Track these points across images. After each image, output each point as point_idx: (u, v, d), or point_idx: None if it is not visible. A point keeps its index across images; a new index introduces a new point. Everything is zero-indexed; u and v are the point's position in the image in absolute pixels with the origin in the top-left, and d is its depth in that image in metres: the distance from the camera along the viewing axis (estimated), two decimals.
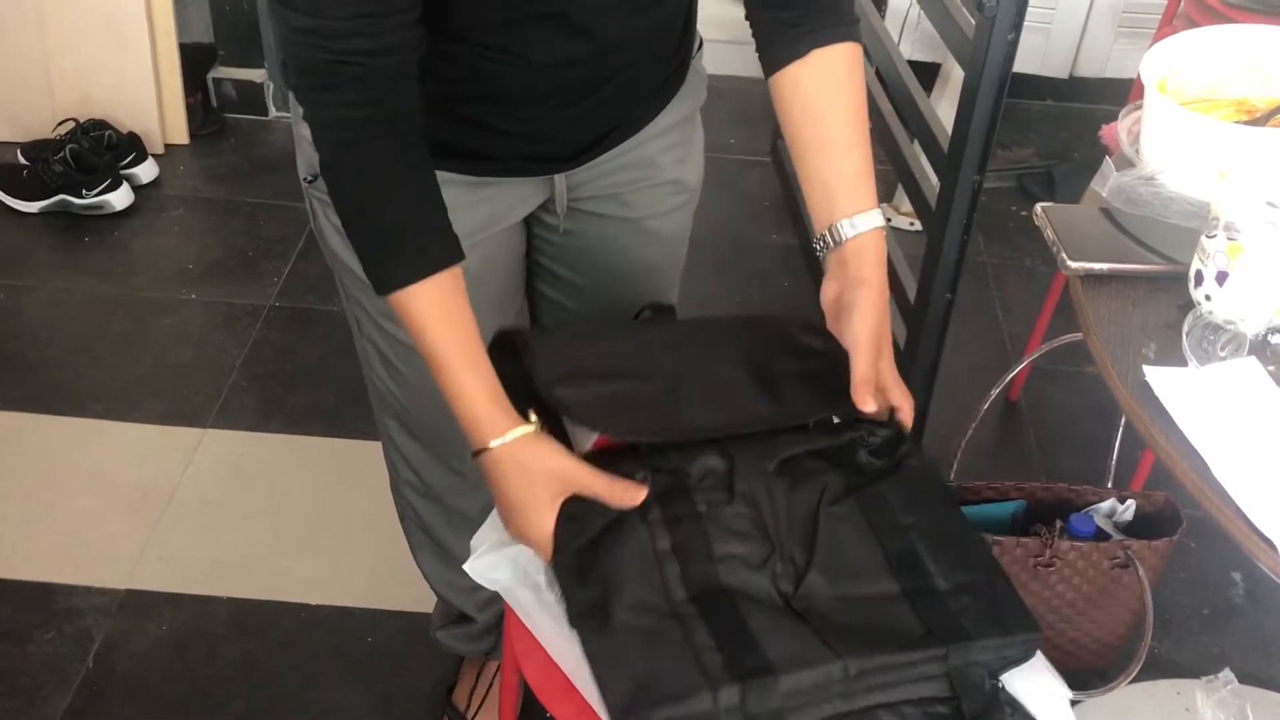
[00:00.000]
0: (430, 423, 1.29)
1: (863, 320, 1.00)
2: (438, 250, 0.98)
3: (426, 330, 0.97)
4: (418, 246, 0.97)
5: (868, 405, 0.98)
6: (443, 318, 0.98)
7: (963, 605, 0.91)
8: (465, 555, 1.14)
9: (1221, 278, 1.06)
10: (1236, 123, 1.25)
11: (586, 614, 0.95)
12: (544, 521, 0.97)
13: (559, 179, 1.16)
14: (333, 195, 0.99)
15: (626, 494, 0.96)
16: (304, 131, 1.12)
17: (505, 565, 1.09)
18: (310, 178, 1.15)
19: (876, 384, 1.00)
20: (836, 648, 0.88)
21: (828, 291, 1.04)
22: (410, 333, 0.99)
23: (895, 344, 1.81)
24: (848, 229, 1.02)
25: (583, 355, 1.04)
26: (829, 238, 1.03)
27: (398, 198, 0.97)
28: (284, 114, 2.77)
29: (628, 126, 1.15)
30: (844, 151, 1.04)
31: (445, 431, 1.30)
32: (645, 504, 0.97)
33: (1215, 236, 1.06)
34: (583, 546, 0.97)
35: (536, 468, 0.97)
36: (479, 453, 0.99)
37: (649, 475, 0.99)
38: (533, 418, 0.98)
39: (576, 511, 0.97)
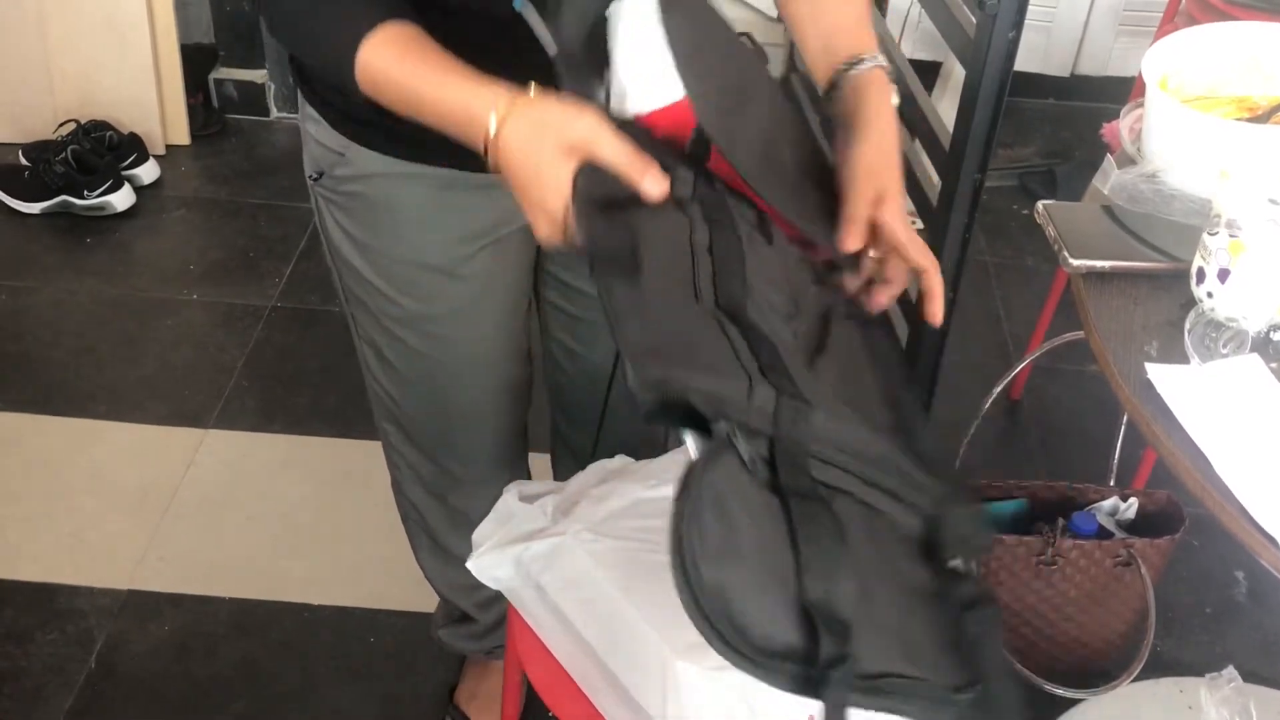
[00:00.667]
0: (429, 425, 1.29)
1: (860, 155, 0.93)
2: (380, 7, 0.90)
3: (393, 74, 0.89)
4: (357, 9, 0.90)
5: (850, 244, 0.92)
6: (408, 53, 0.89)
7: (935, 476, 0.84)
8: (467, 555, 1.14)
9: (1223, 275, 1.06)
10: (1238, 120, 1.25)
11: (612, 259, 0.80)
12: (560, 176, 0.83)
13: None
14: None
15: (649, 171, 0.84)
16: (310, 129, 1.13)
17: (507, 564, 1.10)
18: (316, 175, 1.15)
19: (889, 241, 0.92)
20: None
21: (840, 143, 0.97)
22: (390, 98, 0.90)
23: (896, 341, 1.82)
24: (851, 65, 0.98)
25: None
26: (833, 87, 0.99)
27: None
28: (285, 115, 2.78)
29: None
30: (841, 2, 1.02)
31: (444, 433, 1.30)
32: (681, 197, 0.86)
33: (1217, 234, 1.06)
34: (609, 198, 0.83)
35: (547, 119, 0.84)
36: (485, 148, 0.86)
37: (688, 175, 0.87)
38: (532, 89, 0.86)
39: (598, 173, 0.83)
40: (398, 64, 0.89)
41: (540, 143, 0.84)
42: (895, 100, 0.98)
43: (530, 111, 0.85)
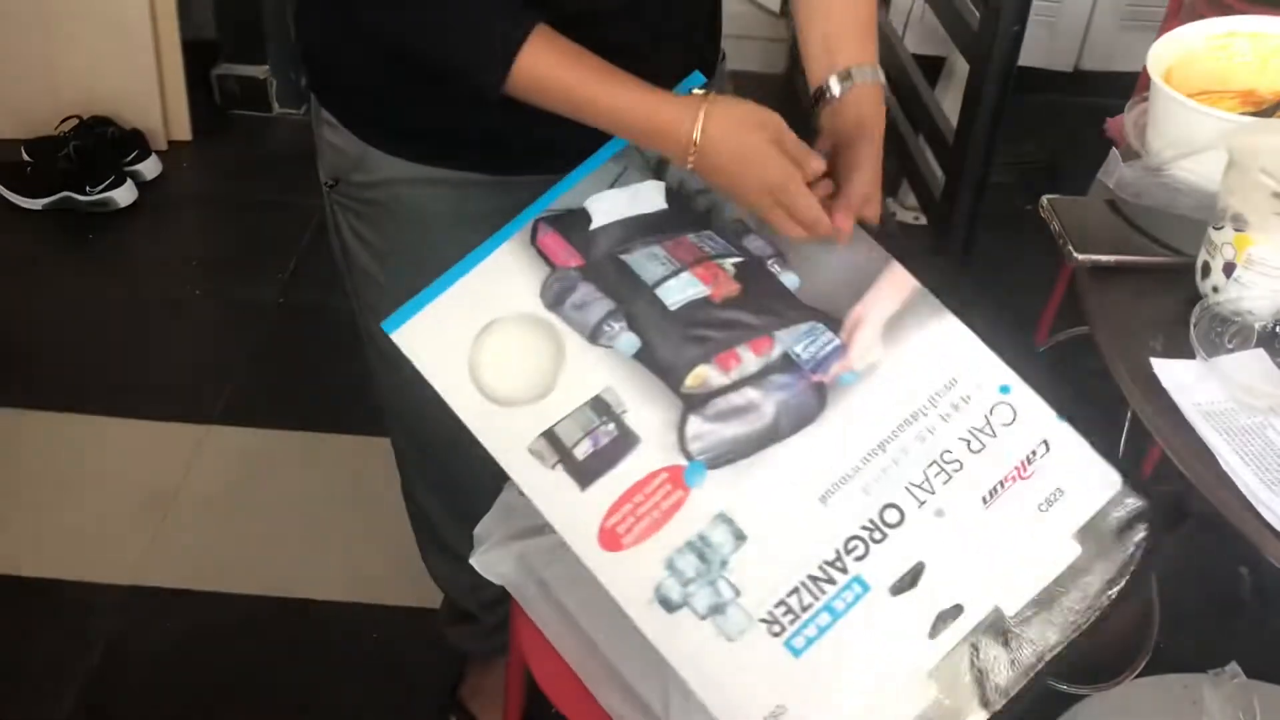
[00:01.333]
0: (440, 429, 1.28)
1: (863, 157, 0.99)
2: (518, 8, 0.92)
3: (562, 78, 0.92)
4: (501, 10, 0.92)
5: (842, 226, 0.97)
6: (569, 57, 0.93)
7: None
8: (469, 555, 1.14)
9: (1229, 269, 1.05)
10: (1244, 114, 1.25)
11: None
12: (775, 157, 0.93)
13: None
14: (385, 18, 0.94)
15: (815, 160, 0.95)
16: (327, 134, 1.11)
17: (510, 559, 1.09)
18: (332, 182, 1.12)
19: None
20: None
21: (821, 145, 1.02)
22: (550, 101, 0.94)
23: None
24: (850, 75, 1.02)
25: None
26: (826, 90, 1.03)
27: None
28: (287, 110, 2.77)
29: None
30: (846, 6, 1.04)
31: (455, 436, 1.29)
32: None
33: (1223, 228, 1.05)
34: None
35: (744, 115, 0.93)
36: (688, 154, 0.93)
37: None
38: (696, 88, 0.97)
39: None
40: (564, 69, 0.92)
41: (747, 134, 0.93)
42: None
43: (727, 110, 0.93)
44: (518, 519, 1.11)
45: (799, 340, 0.95)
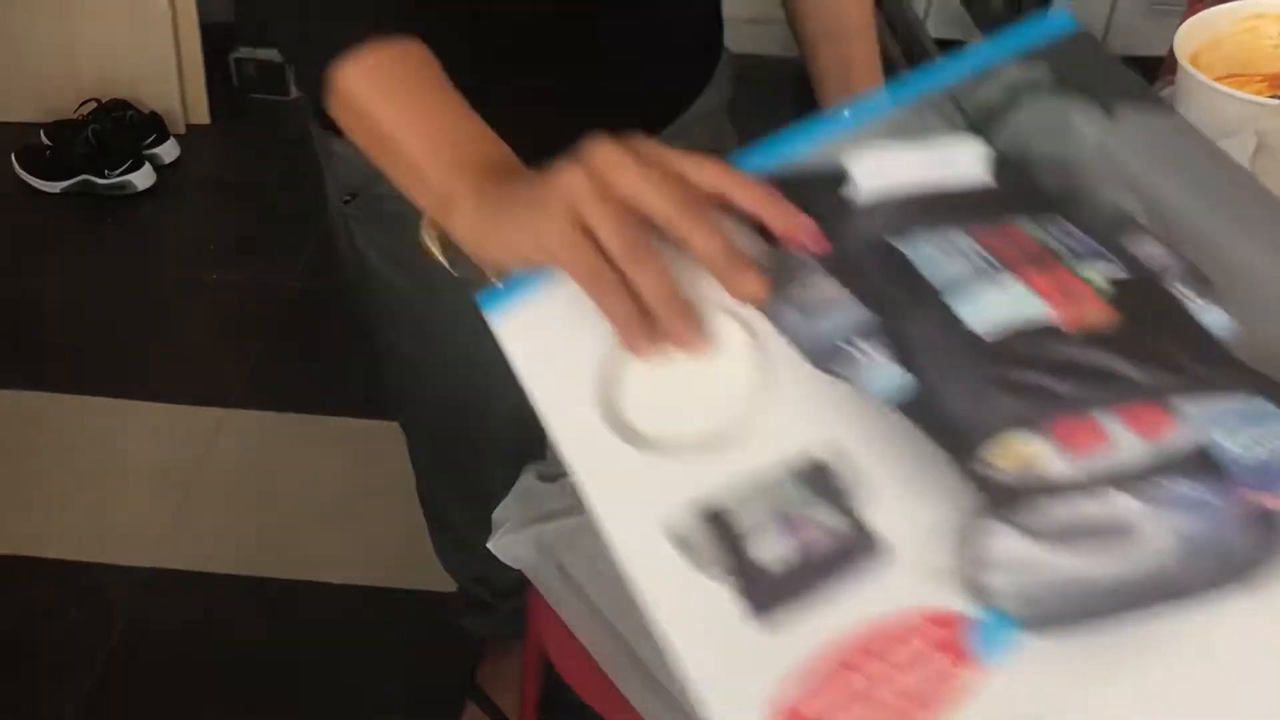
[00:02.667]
0: (459, 424, 1.28)
1: None
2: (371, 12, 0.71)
3: (369, 109, 0.70)
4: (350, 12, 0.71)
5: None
6: (388, 90, 0.70)
7: None
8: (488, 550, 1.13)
9: None
10: (1272, 97, 1.23)
11: None
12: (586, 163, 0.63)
13: None
14: None
15: None
16: (339, 149, 1.07)
17: (528, 543, 1.09)
18: (349, 197, 1.10)
19: None
20: None
21: None
22: (356, 134, 0.73)
23: None
24: None
25: None
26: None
27: None
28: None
29: (667, 108, 1.12)
30: (858, 35, 1.07)
31: (474, 430, 1.29)
32: None
33: None
34: None
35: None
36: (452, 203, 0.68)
37: None
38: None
39: None
40: (379, 95, 0.70)
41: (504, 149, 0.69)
42: None
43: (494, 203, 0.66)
44: (535, 503, 1.11)
45: (1228, 423, 0.52)
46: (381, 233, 1.12)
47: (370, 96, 0.70)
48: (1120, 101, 0.68)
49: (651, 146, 0.61)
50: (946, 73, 0.69)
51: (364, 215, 1.11)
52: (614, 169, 0.59)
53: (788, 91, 2.70)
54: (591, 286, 0.59)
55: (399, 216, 1.09)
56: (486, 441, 1.28)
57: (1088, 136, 0.66)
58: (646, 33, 1.03)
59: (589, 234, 0.59)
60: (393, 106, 0.70)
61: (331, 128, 1.04)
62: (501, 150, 0.69)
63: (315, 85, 0.72)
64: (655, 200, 0.58)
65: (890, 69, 1.99)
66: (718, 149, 1.15)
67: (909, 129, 0.66)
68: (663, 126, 1.10)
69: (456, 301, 1.13)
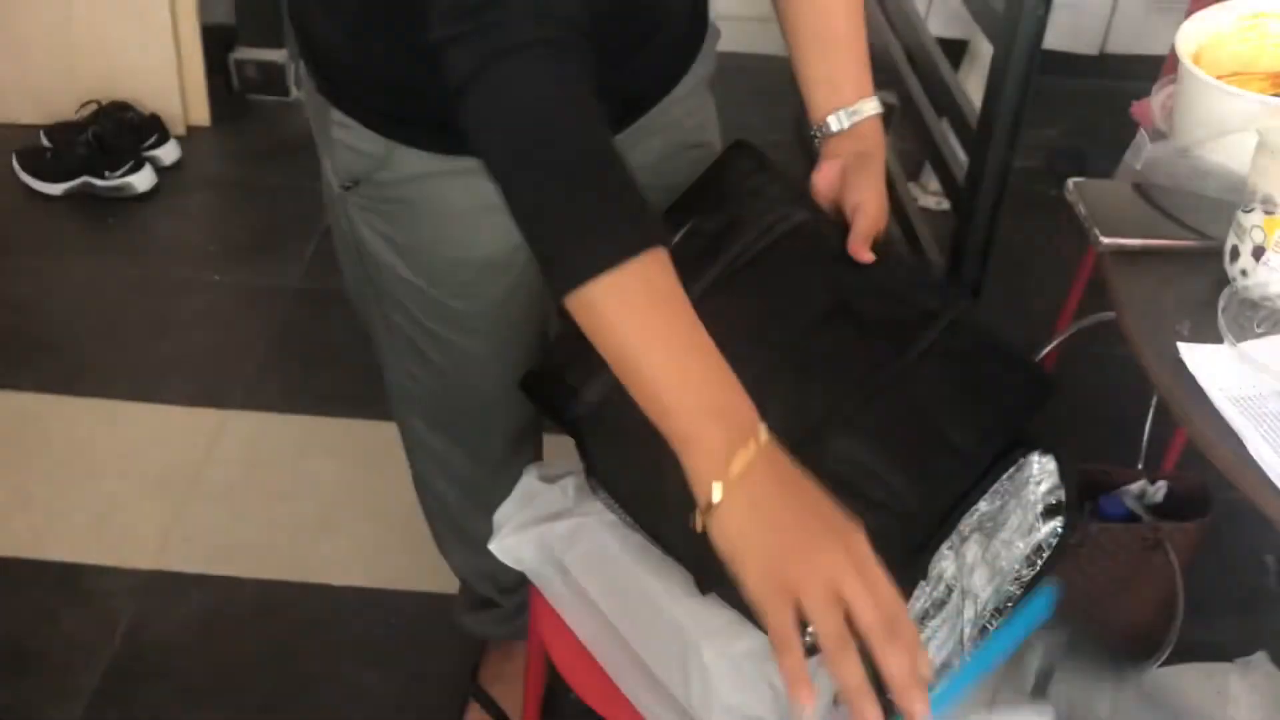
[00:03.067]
0: (459, 414, 1.28)
1: (870, 184, 1.05)
2: (646, 219, 0.78)
3: (629, 322, 0.76)
4: (626, 214, 0.77)
5: (863, 257, 1.01)
6: (659, 301, 0.76)
7: None
8: (489, 539, 1.13)
9: (1258, 253, 1.04)
10: (1273, 95, 1.23)
11: None
12: (861, 539, 0.73)
13: None
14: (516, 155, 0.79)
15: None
16: (340, 136, 1.08)
17: (530, 544, 1.09)
18: (350, 184, 1.10)
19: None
20: None
21: (829, 171, 1.07)
22: (604, 334, 0.77)
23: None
24: (857, 112, 1.08)
25: None
26: (833, 123, 1.08)
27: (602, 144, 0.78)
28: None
29: (661, 86, 1.13)
30: (846, 45, 1.09)
31: (473, 419, 1.29)
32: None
33: (1252, 211, 1.04)
34: None
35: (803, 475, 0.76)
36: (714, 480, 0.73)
37: None
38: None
39: None
40: (638, 315, 0.75)
41: (802, 479, 0.75)
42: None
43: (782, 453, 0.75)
44: (537, 504, 1.11)
45: None
46: (383, 220, 1.12)
47: (623, 316, 0.76)
48: None
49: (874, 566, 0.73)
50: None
51: (365, 202, 1.11)
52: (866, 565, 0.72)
53: (777, 88, 2.70)
54: (838, 649, 0.71)
55: (399, 201, 1.10)
56: (488, 423, 1.29)
57: None
58: (638, 37, 1.06)
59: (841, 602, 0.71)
60: (646, 330, 0.76)
61: (347, 113, 1.04)
62: (743, 403, 0.76)
63: (566, 285, 0.76)
64: (883, 610, 0.72)
65: (891, 69, 1.99)
66: (705, 118, 1.16)
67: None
68: (647, 109, 1.13)
69: (457, 288, 1.14)
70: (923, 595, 0.90)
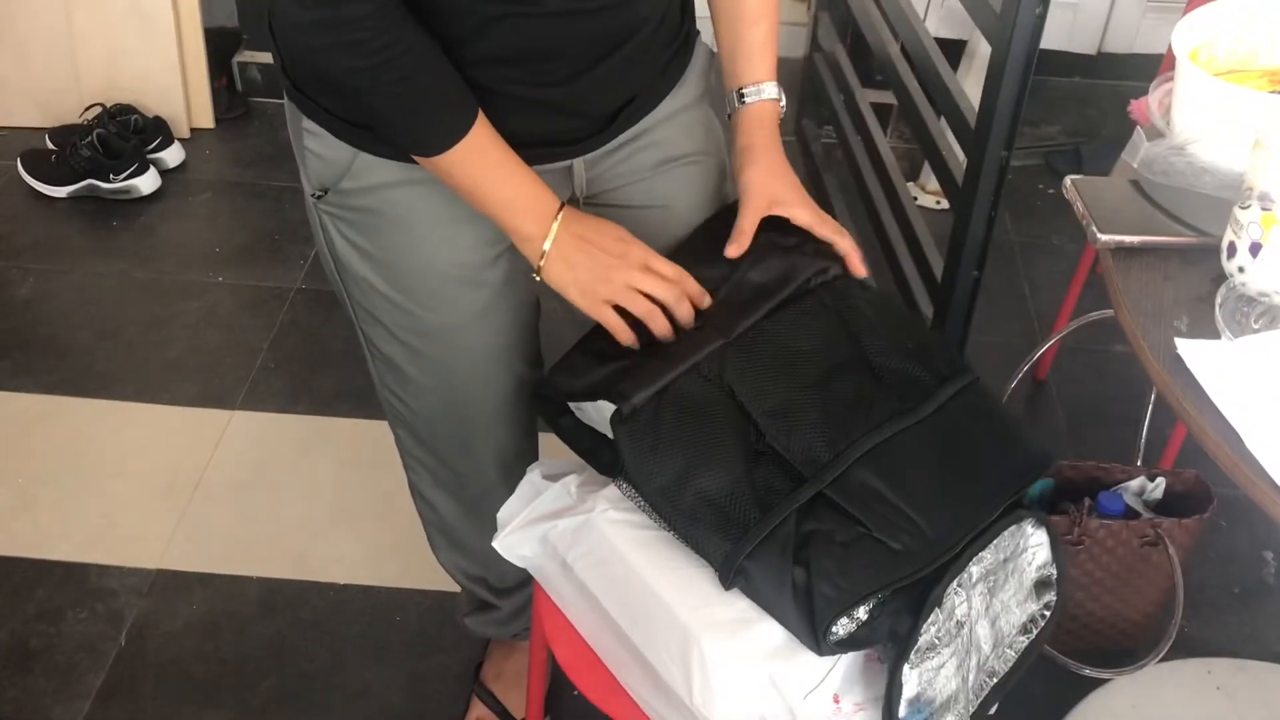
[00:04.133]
0: (444, 430, 1.28)
1: (751, 177, 1.12)
2: (467, 96, 1.01)
3: (484, 160, 1.03)
4: (458, 92, 1.00)
5: (731, 252, 1.11)
6: (493, 144, 1.03)
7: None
8: (483, 547, 1.13)
9: (1255, 249, 1.05)
10: (1270, 93, 1.24)
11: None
12: (640, 249, 1.07)
13: (578, 167, 1.14)
14: (359, 76, 0.97)
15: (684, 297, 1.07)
16: (310, 144, 1.10)
17: (533, 542, 1.10)
18: (320, 192, 1.12)
19: (802, 226, 1.12)
20: None
21: (734, 169, 1.16)
22: (459, 178, 1.03)
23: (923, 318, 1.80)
24: (742, 98, 1.15)
25: None
26: (732, 100, 1.16)
27: (422, 52, 0.98)
28: None
29: (641, 102, 1.14)
30: (750, 23, 1.16)
31: (459, 436, 1.29)
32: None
33: (1249, 207, 1.05)
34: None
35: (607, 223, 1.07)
36: (541, 238, 1.05)
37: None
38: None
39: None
40: (476, 162, 1.03)
41: (614, 230, 1.08)
42: (781, 111, 1.17)
43: (588, 218, 1.07)
44: (540, 502, 1.11)
45: None
46: (353, 229, 1.13)
47: (478, 170, 1.04)
48: None
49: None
50: None
51: (335, 211, 1.13)
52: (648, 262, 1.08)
53: (790, 89, 2.71)
54: (648, 317, 1.06)
55: (365, 210, 1.11)
56: (470, 436, 1.28)
57: None
58: (621, 67, 1.09)
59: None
60: (489, 176, 1.04)
61: (313, 119, 1.06)
62: (546, 196, 1.07)
63: (430, 154, 1.02)
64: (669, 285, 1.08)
65: (890, 69, 1.99)
66: (703, 134, 1.21)
67: None
68: (633, 121, 1.15)
69: (427, 299, 1.14)
70: (937, 623, 0.94)
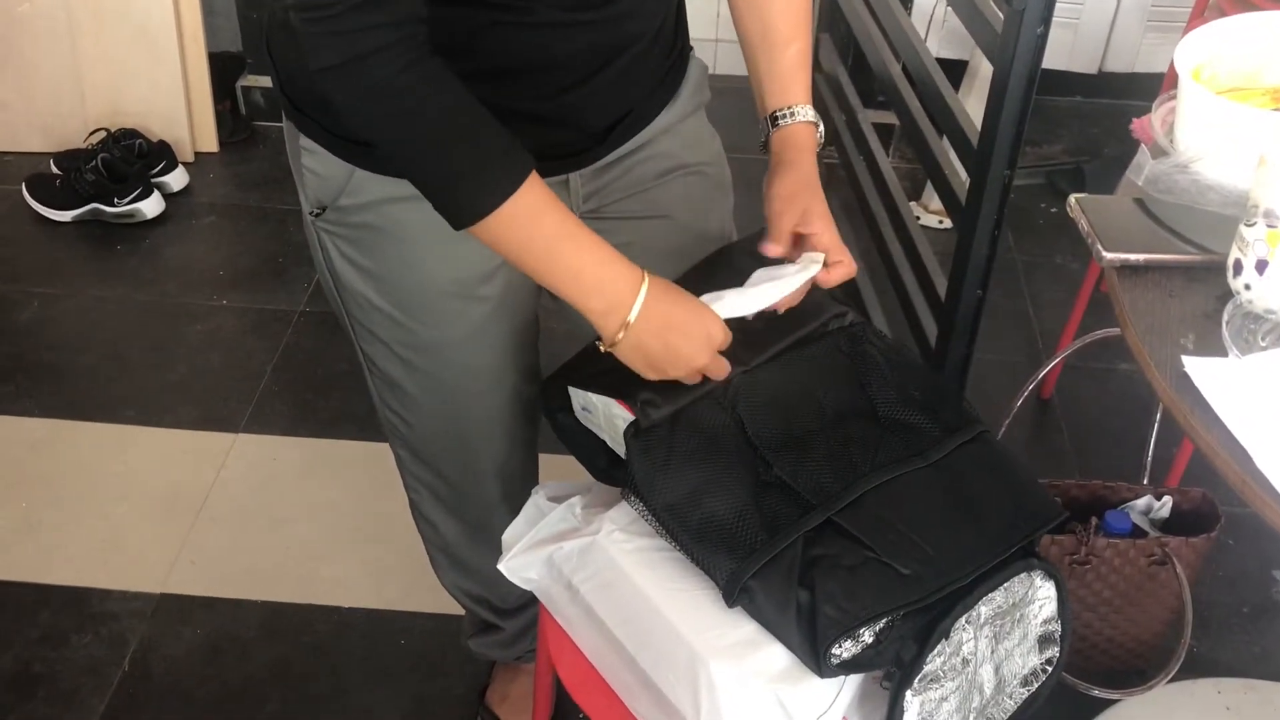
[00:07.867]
0: (444, 446, 1.27)
1: (783, 186, 1.10)
2: (518, 149, 0.95)
3: (537, 225, 0.96)
4: (503, 149, 0.94)
5: (772, 252, 1.09)
6: (551, 207, 0.97)
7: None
8: (485, 568, 1.13)
9: (1261, 266, 1.04)
10: (1274, 110, 1.24)
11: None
12: (719, 330, 1.02)
13: (575, 181, 1.14)
14: (392, 130, 0.92)
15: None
16: (307, 162, 1.10)
17: (539, 564, 1.09)
18: (318, 210, 1.12)
19: (819, 247, 1.09)
20: None
21: (765, 183, 1.13)
22: (513, 245, 0.97)
23: (925, 341, 1.80)
24: (775, 121, 1.13)
25: None
26: (765, 125, 1.14)
27: (464, 105, 0.93)
28: None
29: (637, 116, 1.14)
30: (782, 45, 1.13)
31: (459, 453, 1.29)
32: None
33: (1254, 224, 1.04)
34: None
35: (691, 299, 1.03)
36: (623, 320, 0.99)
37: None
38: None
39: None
40: (537, 222, 0.96)
41: (698, 309, 1.02)
42: (820, 140, 1.15)
43: (675, 292, 1.02)
44: (545, 524, 1.11)
45: None
46: (351, 246, 1.13)
47: (526, 229, 0.96)
48: None
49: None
50: None
51: (333, 229, 1.13)
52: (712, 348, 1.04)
53: None
54: (689, 378, 1.04)
55: (363, 227, 1.11)
56: (470, 452, 1.28)
57: None
58: (621, 41, 1.08)
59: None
60: (542, 236, 0.97)
61: (311, 137, 1.06)
62: (623, 269, 1.00)
63: (471, 219, 0.95)
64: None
65: (891, 89, 2.00)
66: (701, 146, 1.21)
67: None
68: (630, 134, 1.15)
69: (425, 316, 1.14)
70: (943, 654, 0.94)
